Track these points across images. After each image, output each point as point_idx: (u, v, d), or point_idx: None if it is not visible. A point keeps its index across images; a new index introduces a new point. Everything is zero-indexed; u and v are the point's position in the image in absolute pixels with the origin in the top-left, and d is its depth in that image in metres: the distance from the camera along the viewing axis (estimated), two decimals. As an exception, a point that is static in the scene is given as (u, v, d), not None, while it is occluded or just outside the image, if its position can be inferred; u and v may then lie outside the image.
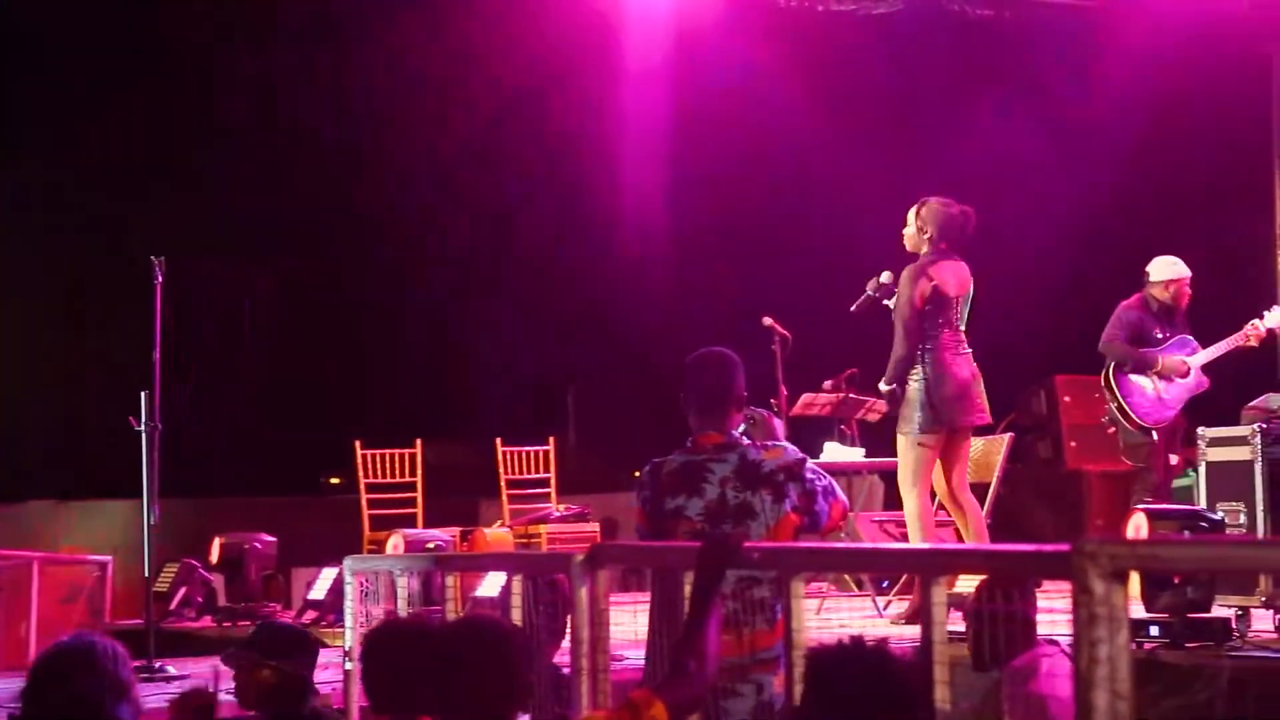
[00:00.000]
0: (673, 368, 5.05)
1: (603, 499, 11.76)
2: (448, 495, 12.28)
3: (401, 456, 11.23)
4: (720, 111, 13.03)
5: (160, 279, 8.63)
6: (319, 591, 9.53)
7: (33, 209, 12.96)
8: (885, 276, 8.03)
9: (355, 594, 5.61)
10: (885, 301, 8.02)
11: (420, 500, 11.18)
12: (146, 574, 8.63)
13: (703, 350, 4.86)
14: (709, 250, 13.55)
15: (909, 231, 7.87)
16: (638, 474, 4.81)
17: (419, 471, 11.23)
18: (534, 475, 11.37)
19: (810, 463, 4.74)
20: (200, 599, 10.38)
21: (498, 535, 10.48)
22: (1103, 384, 8.87)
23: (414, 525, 10.85)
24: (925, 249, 7.81)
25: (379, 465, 11.19)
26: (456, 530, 10.59)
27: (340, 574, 7.04)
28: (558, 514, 10.96)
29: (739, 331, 10.84)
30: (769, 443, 4.78)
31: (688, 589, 3.81)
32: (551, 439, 11.58)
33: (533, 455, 11.40)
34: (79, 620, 9.72)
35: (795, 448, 4.73)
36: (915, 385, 7.64)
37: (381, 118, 13.35)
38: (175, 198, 12.78)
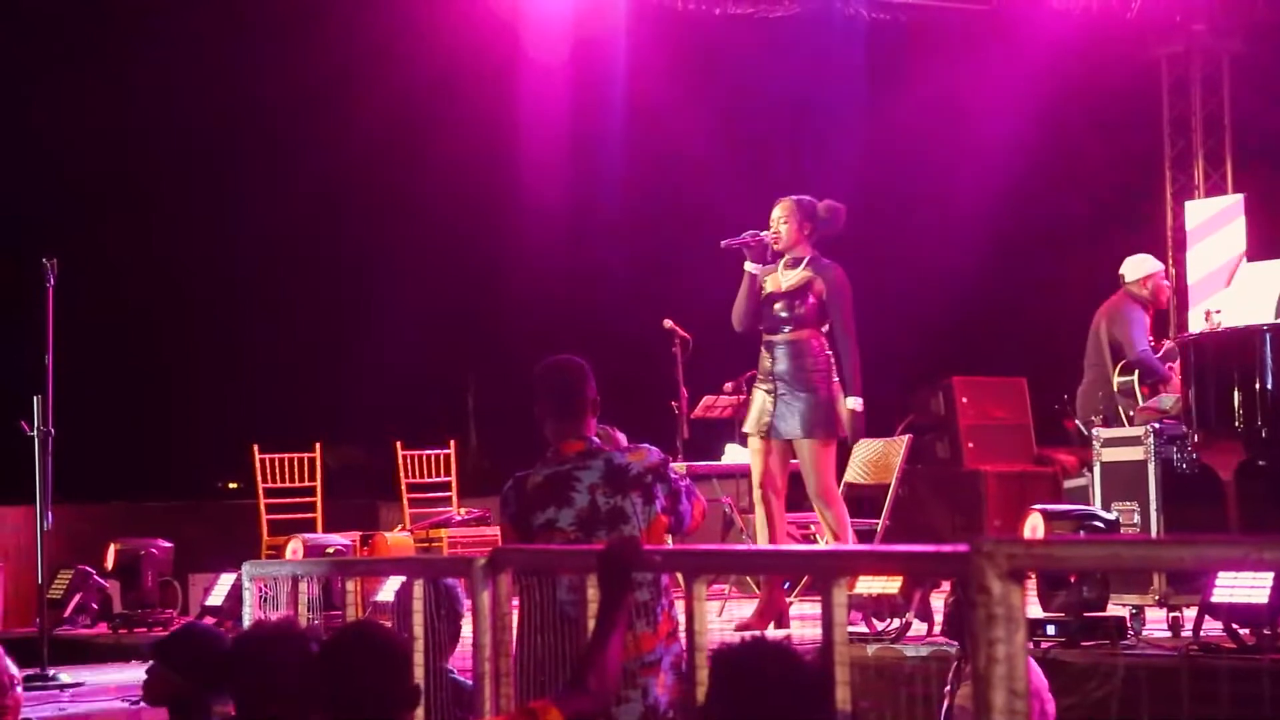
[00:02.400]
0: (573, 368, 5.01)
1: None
2: (348, 499, 12.21)
3: (300, 460, 11.15)
4: (620, 113, 13.07)
5: (53, 281, 8.52)
6: (217, 597, 9.44)
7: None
8: (767, 235, 7.71)
9: (254, 600, 5.59)
10: (752, 266, 7.68)
11: (320, 504, 11.10)
12: (40, 580, 8.52)
13: (550, 359, 4.88)
14: (608, 252, 13.57)
15: (786, 229, 7.68)
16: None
17: (318, 475, 11.15)
18: (435, 479, 11.33)
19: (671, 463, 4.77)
20: (95, 606, 10.25)
21: (398, 539, 10.43)
22: (1118, 391, 8.49)
23: (313, 530, 10.76)
24: (802, 247, 7.67)
25: (277, 469, 11.10)
26: (357, 534, 10.50)
27: (239, 580, 6.98)
28: (459, 518, 10.92)
29: (639, 333, 10.91)
30: (632, 445, 4.80)
31: (591, 593, 3.81)
32: (452, 442, 11.54)
33: (433, 458, 11.36)
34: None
35: (656, 449, 4.75)
36: (833, 388, 7.58)
37: (274, 117, 13.25)
38: (56, 196, 12.62)
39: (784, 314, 7.64)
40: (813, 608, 7.95)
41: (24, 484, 8.62)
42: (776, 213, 7.77)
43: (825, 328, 7.66)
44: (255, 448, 11.13)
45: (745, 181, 12.69)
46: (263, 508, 10.99)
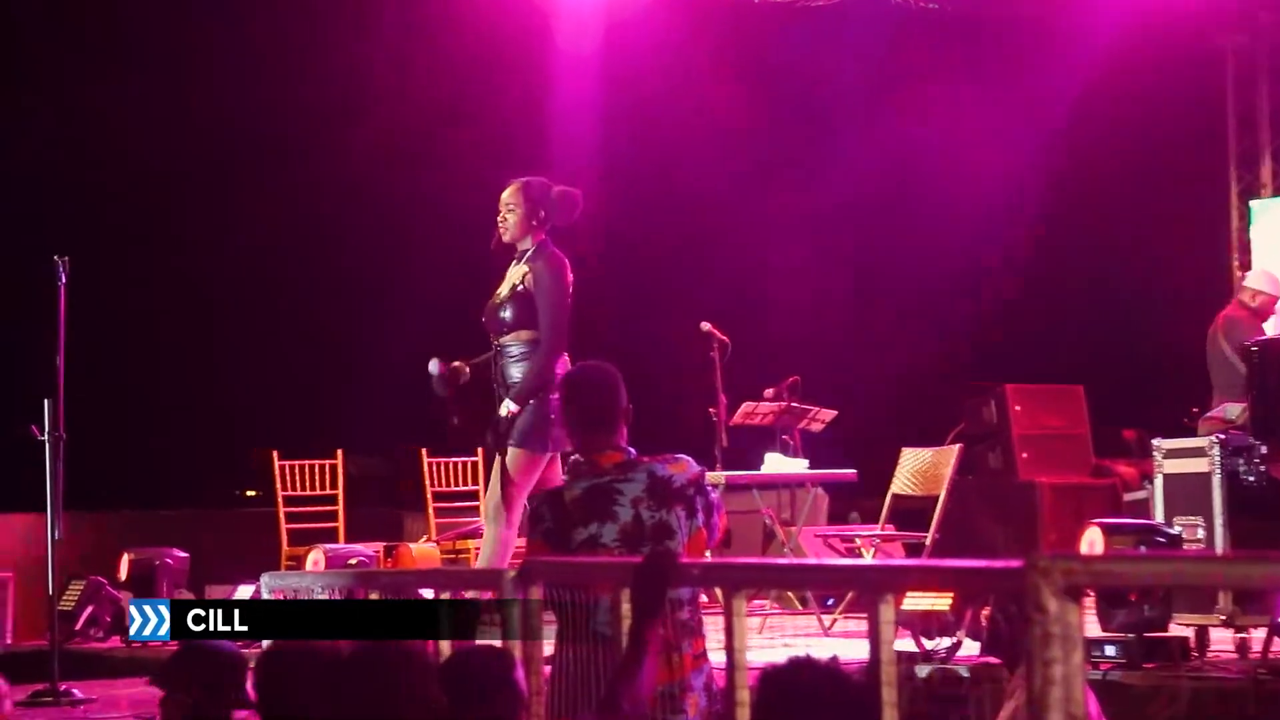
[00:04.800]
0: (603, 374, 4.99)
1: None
2: (370, 508, 12.22)
3: (321, 467, 11.17)
4: (653, 104, 13.07)
5: (64, 279, 8.56)
6: (234, 611, 9.46)
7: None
8: (434, 366, 7.42)
9: (274, 614, 5.57)
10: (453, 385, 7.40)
11: (342, 514, 11.11)
12: (50, 592, 8.55)
13: (580, 365, 4.85)
14: (642, 251, 13.57)
15: (513, 217, 7.31)
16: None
17: (340, 483, 11.17)
18: (461, 487, 11.31)
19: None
20: (108, 618, 10.28)
21: (424, 550, 10.44)
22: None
23: (335, 540, 10.79)
24: (531, 236, 7.32)
25: (297, 477, 11.12)
26: (380, 545, 10.53)
27: (257, 591, 6.99)
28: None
29: (676, 337, 10.91)
30: (669, 456, 4.72)
31: (625, 609, 3.81)
32: (480, 450, 11.54)
33: (460, 466, 11.35)
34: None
35: (694, 460, 4.73)
36: (553, 399, 7.10)
37: (295, 115, 13.30)
38: (72, 194, 12.71)
39: (504, 315, 7.34)
40: (859, 625, 7.94)
41: (34, 491, 8.66)
42: (504, 197, 7.40)
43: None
44: (275, 454, 11.15)
45: (783, 174, 12.71)
46: (282, 517, 11.02)
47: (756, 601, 9.07)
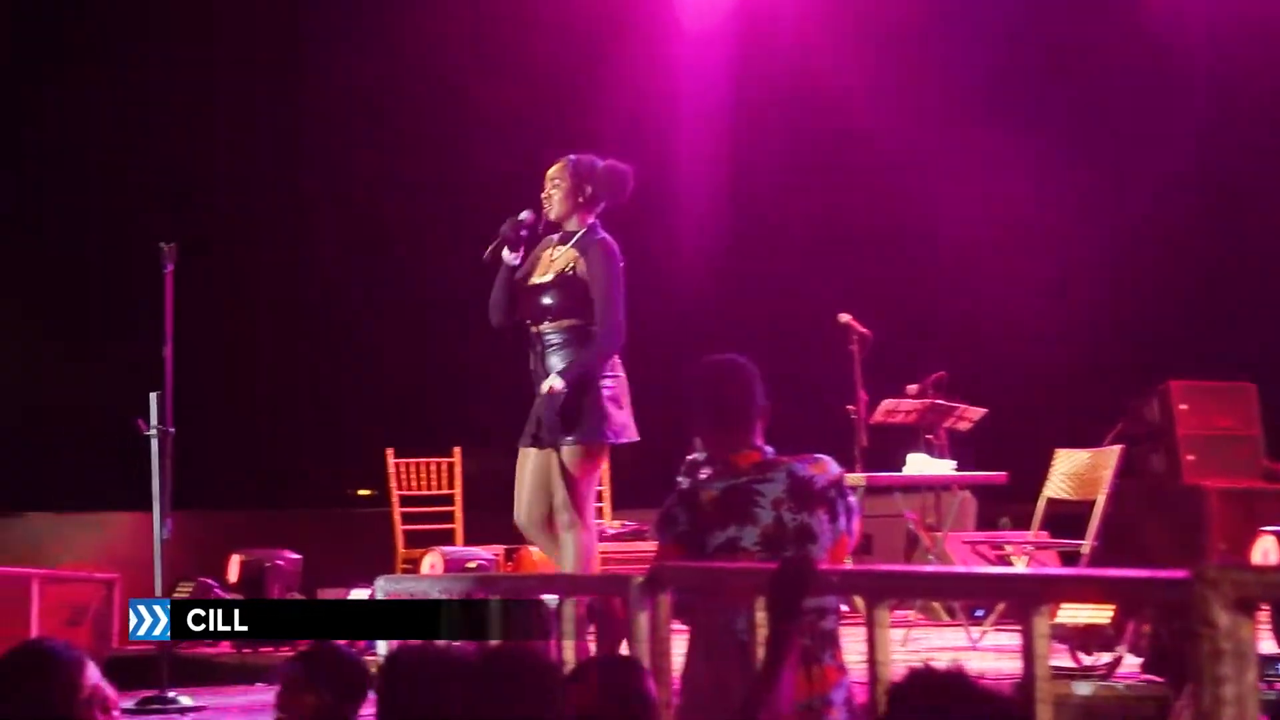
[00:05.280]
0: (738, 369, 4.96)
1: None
2: (490, 509, 12.29)
3: (438, 466, 11.25)
4: (786, 84, 13.02)
5: (170, 267, 8.67)
6: (347, 615, 9.57)
7: (25, 195, 13.10)
8: (525, 215, 7.30)
9: (390, 619, 5.62)
10: (509, 255, 7.28)
11: (459, 515, 11.19)
12: (158, 594, 8.68)
13: (710, 359, 4.79)
14: (776, 239, 13.52)
15: (558, 194, 7.23)
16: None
17: (457, 483, 11.24)
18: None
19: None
20: (217, 622, 10.42)
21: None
22: None
23: (452, 542, 10.88)
24: (578, 216, 7.24)
25: (413, 475, 11.22)
26: (500, 548, 10.59)
27: (372, 596, 7.07)
28: (612, 531, 10.95)
29: (812, 329, 10.88)
30: (809, 455, 4.70)
31: (759, 616, 3.80)
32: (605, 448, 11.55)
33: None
34: (84, 644, 9.78)
35: (834, 461, 4.69)
36: (606, 386, 7.17)
37: (408, 104, 13.44)
38: (181, 181, 12.91)
39: (546, 301, 7.25)
40: (1011, 638, 7.88)
41: (140, 488, 8.80)
42: (549, 173, 7.30)
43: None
44: (389, 452, 11.26)
45: (928, 160, 12.59)
46: (397, 517, 11.12)
47: (899, 612, 9.02)
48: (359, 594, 9.31)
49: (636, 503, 11.83)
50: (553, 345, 7.23)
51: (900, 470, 9.53)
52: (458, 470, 11.27)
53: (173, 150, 13.04)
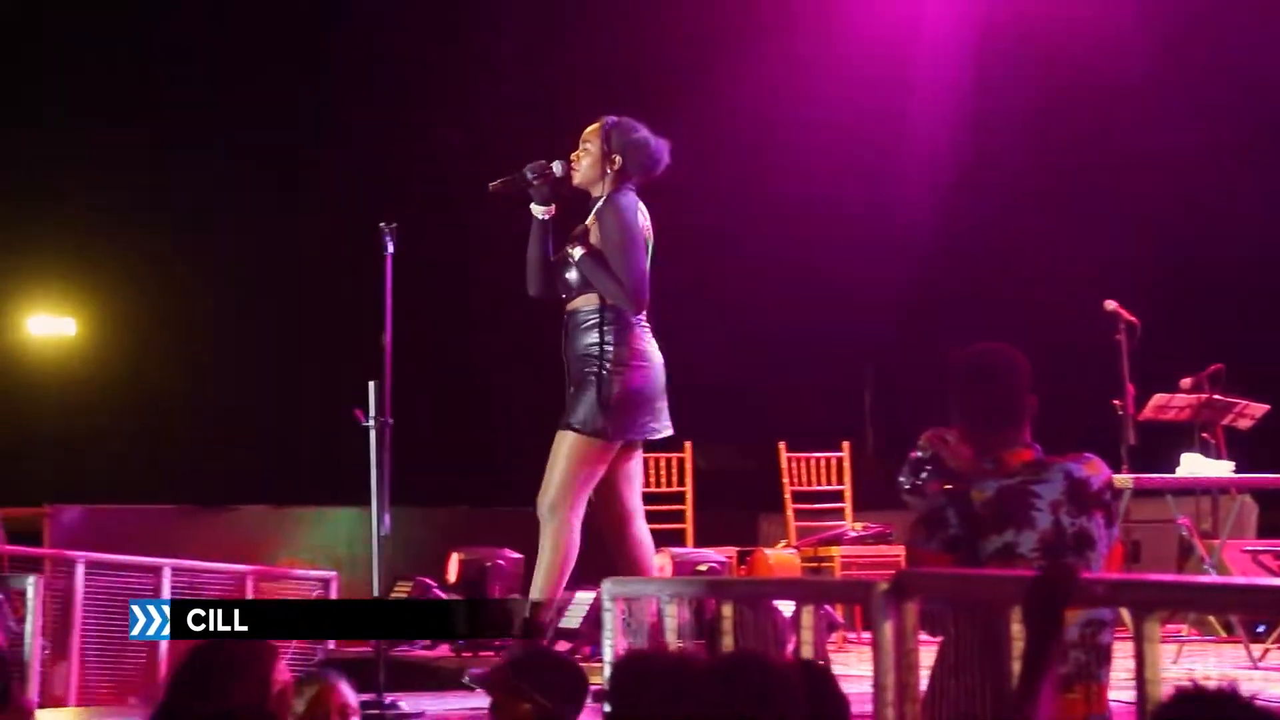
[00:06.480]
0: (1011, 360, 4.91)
1: (906, 517, 11.67)
2: (722, 509, 12.31)
3: (668, 461, 11.28)
4: (1040, 43, 12.85)
5: (391, 249, 8.81)
6: (573, 619, 9.63)
7: (239, 184, 13.46)
8: (556, 165, 7.04)
9: (615, 623, 5.64)
10: (538, 210, 7.07)
11: (690, 514, 11.23)
12: (376, 593, 8.84)
13: (977, 348, 4.70)
14: (1027, 220, 13.37)
15: (587, 159, 7.00)
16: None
17: (688, 480, 11.28)
18: (825, 487, 11.33)
19: None
20: (435, 625, 10.57)
21: (782, 558, 10.48)
22: None
23: (683, 543, 10.90)
24: (607, 186, 6.99)
25: (643, 472, 11.27)
26: (733, 550, 10.61)
27: (598, 599, 7.11)
28: (854, 533, 10.91)
29: (1075, 317, 10.72)
30: (1078, 455, 4.60)
31: (1015, 629, 3.76)
32: (845, 444, 11.52)
33: (823, 463, 11.36)
34: (298, 644, 10.02)
35: (1101, 460, 4.59)
36: (624, 376, 6.98)
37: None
38: (403, 158, 13.17)
39: (570, 275, 7.03)
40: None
41: (358, 482, 8.96)
42: (584, 135, 7.09)
43: None
44: (617, 446, 11.34)
45: (1200, 131, 12.34)
46: (625, 516, 11.19)
47: (1170, 626, 8.87)
48: (584, 597, 9.40)
49: (879, 505, 11.79)
50: (580, 324, 7.06)
51: (1172, 472, 9.35)
52: (688, 466, 11.30)
53: (394, 127, 13.29)
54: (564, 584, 7.03)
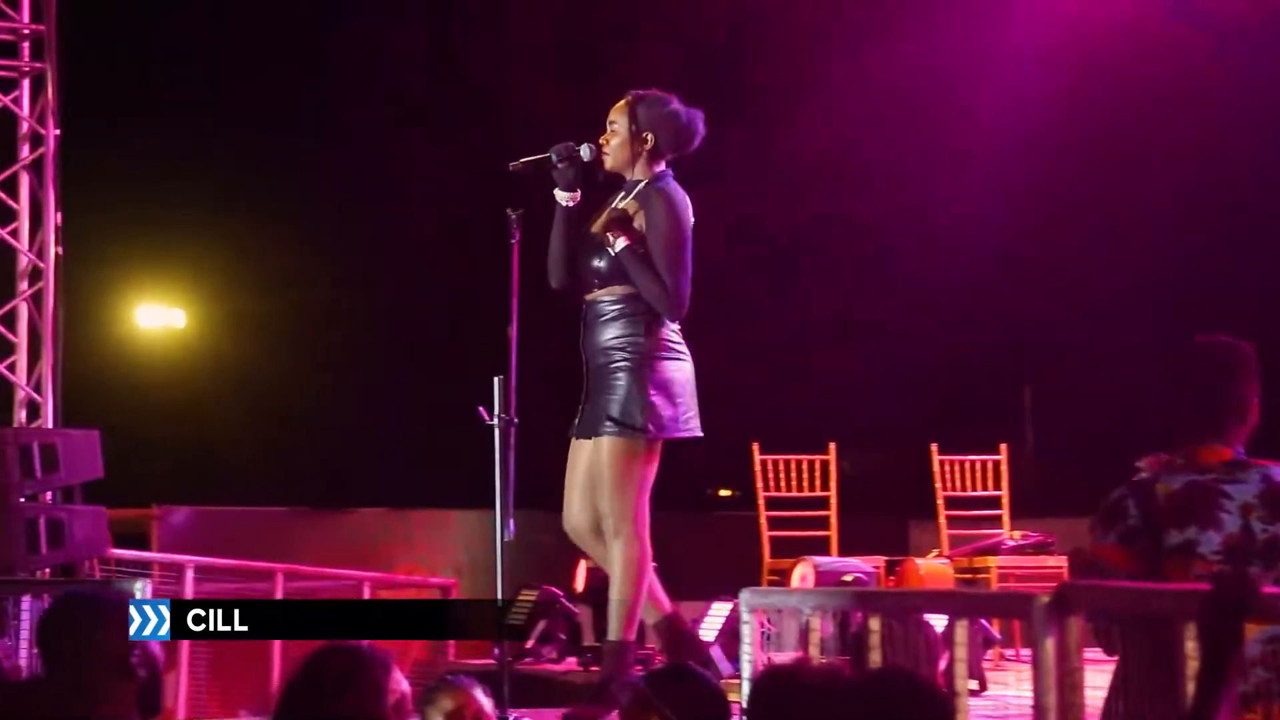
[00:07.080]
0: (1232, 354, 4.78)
1: (1070, 525, 11.50)
2: (869, 515, 12.21)
3: (811, 463, 11.22)
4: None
5: (518, 236, 8.74)
6: (708, 631, 9.56)
7: (366, 176, 13.51)
8: (585, 148, 6.80)
9: (754, 637, 5.57)
10: (563, 196, 6.84)
11: (834, 520, 11.16)
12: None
13: (1203, 339, 4.65)
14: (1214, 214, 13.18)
15: (616, 140, 6.76)
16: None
17: (833, 483, 11.21)
18: (980, 492, 11.24)
19: None
20: (563, 636, 10.52)
21: (933, 568, 10.39)
22: None
23: (826, 552, 10.87)
24: (645, 168, 6.75)
25: (782, 474, 11.20)
26: (880, 560, 10.53)
27: (735, 611, 7.01)
28: (1011, 543, 10.81)
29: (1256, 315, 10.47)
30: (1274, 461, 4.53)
31: (1190, 647, 3.61)
32: (1003, 447, 11.39)
33: (978, 466, 11.27)
34: (416, 656, 10.01)
35: None
36: (659, 369, 6.78)
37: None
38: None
39: (598, 262, 6.79)
40: None
41: (482, 484, 8.91)
42: (610, 116, 6.83)
43: None
44: (755, 446, 11.25)
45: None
46: (764, 522, 11.11)
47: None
48: (720, 608, 9.33)
49: (1039, 511, 11.61)
50: (604, 316, 6.84)
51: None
52: (832, 469, 11.24)
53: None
54: (641, 610, 6.95)
